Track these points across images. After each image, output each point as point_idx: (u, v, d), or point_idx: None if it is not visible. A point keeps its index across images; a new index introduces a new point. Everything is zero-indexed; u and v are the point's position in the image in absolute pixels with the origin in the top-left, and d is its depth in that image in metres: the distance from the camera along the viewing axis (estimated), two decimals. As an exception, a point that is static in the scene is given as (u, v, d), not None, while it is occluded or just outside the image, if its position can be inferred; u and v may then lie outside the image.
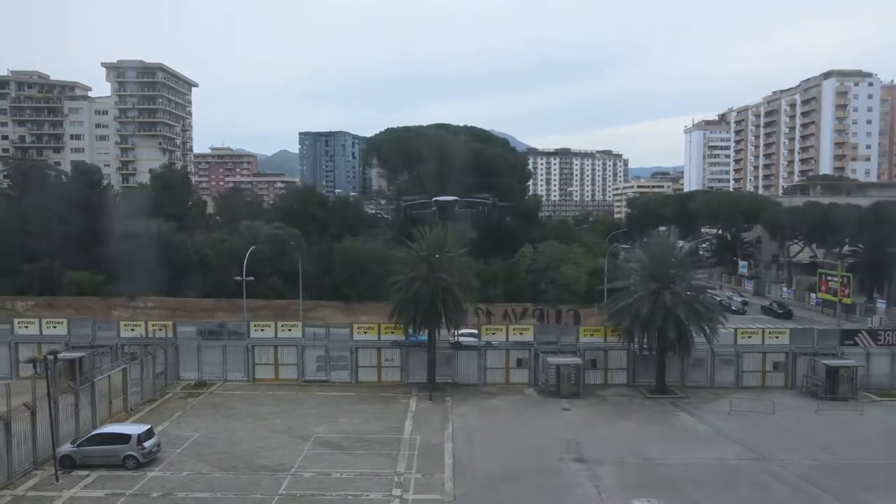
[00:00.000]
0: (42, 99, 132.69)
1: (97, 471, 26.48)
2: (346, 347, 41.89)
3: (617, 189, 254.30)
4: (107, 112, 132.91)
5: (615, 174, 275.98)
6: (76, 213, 66.29)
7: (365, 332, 42.24)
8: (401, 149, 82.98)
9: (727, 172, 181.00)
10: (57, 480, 25.51)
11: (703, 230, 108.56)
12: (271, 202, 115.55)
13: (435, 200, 72.47)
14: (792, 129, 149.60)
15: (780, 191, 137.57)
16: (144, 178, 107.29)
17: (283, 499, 24.18)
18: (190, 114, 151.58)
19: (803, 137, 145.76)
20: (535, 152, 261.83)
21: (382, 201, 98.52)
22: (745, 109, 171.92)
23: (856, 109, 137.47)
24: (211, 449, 29.37)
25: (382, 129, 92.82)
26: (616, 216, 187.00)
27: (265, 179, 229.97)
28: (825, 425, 34.03)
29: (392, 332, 41.08)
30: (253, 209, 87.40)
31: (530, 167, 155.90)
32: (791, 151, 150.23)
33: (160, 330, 42.27)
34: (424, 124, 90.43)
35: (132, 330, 42.98)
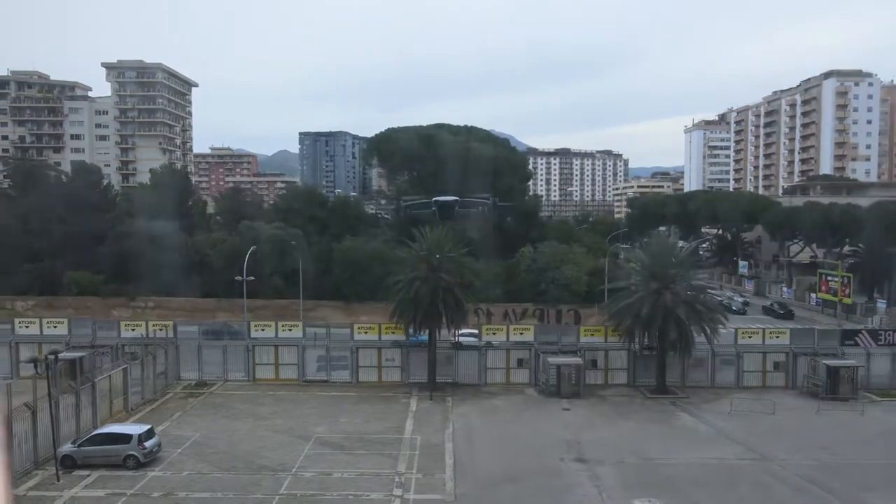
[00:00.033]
0: (42, 99, 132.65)
1: (98, 470, 26.49)
2: (346, 347, 41.90)
3: (617, 189, 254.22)
4: (107, 112, 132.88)
5: (615, 174, 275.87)
6: (76, 213, 66.30)
7: (365, 332, 42.26)
8: (401, 149, 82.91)
9: (727, 172, 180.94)
10: (58, 480, 25.51)
11: (703, 230, 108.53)
12: (271, 202, 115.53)
13: (435, 200, 72.38)
14: (792, 129, 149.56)
15: (780, 191, 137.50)
16: (144, 178, 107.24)
17: (284, 499, 24.19)
18: (190, 114, 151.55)
19: (803, 137, 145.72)
20: (535, 152, 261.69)
21: (382, 201, 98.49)
22: (745, 109, 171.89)
23: (856, 109, 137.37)
24: (211, 449, 29.37)
25: (382, 129, 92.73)
26: (616, 216, 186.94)
27: (265, 179, 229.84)
28: (826, 425, 34.04)
29: (393, 332, 41.09)
30: (253, 209, 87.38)
31: (530, 167, 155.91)
32: (791, 151, 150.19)
33: (161, 330, 42.28)
34: (424, 124, 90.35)
35: (133, 330, 42.99)
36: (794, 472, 27.34)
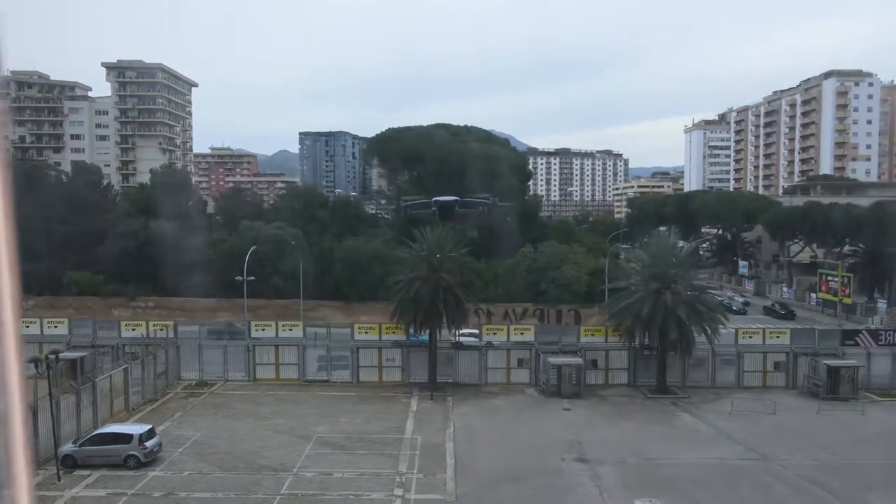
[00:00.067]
0: (42, 99, 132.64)
1: (99, 470, 26.49)
2: (347, 347, 41.90)
3: (617, 189, 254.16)
4: (107, 112, 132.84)
5: (615, 174, 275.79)
6: (76, 213, 66.30)
7: (366, 332, 42.25)
8: (401, 149, 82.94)
9: (727, 172, 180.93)
10: (59, 480, 25.51)
11: (703, 230, 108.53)
12: (271, 202, 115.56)
13: (435, 200, 72.36)
14: (792, 129, 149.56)
15: (781, 191, 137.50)
16: (144, 178, 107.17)
17: (285, 498, 24.18)
18: (190, 114, 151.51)
19: (803, 137, 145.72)
20: (535, 152, 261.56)
21: (383, 201, 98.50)
22: (745, 109, 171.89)
23: (856, 109, 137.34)
24: (212, 449, 29.36)
25: (382, 129, 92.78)
26: (616, 216, 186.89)
27: (265, 179, 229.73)
28: (826, 425, 34.04)
29: (393, 332, 41.09)
30: (253, 209, 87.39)
31: (530, 167, 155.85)
32: (791, 151, 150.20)
33: (161, 330, 42.28)
34: (424, 124, 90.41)
35: (133, 330, 42.99)
36: (794, 472, 27.34)
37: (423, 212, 70.29)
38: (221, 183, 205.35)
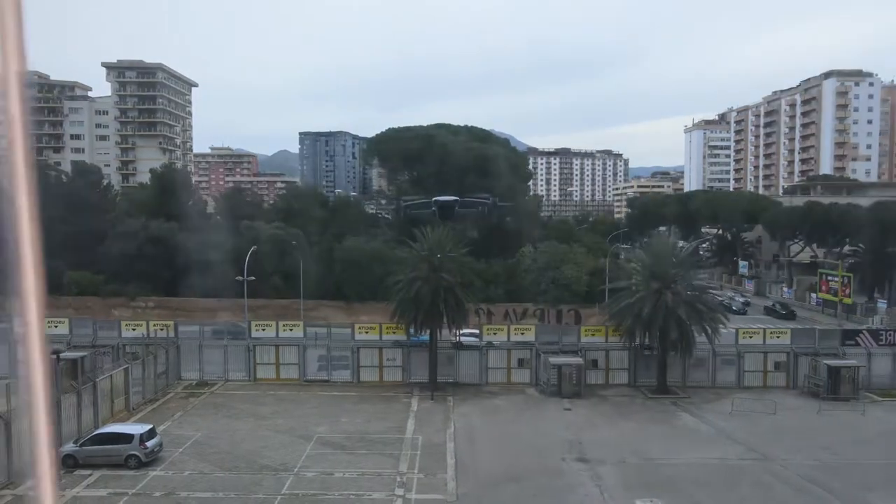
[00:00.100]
0: (42, 99, 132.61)
1: (99, 470, 26.50)
2: (347, 347, 41.90)
3: (617, 189, 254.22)
4: (107, 112, 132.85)
5: (615, 174, 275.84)
6: (76, 213, 66.25)
7: (366, 332, 42.26)
8: (401, 149, 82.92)
9: (727, 172, 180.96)
10: (59, 480, 25.47)
11: (703, 230, 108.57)
12: (271, 202, 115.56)
13: (435, 200, 72.38)
14: (792, 128, 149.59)
15: (781, 191, 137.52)
16: (144, 178, 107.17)
17: (286, 498, 24.19)
18: (190, 114, 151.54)
19: (803, 137, 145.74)
20: (535, 152, 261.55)
21: (383, 201, 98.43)
22: (745, 109, 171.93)
23: (856, 109, 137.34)
24: (213, 448, 29.37)
25: (382, 129, 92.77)
26: (616, 216, 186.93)
27: (265, 179, 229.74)
28: (827, 425, 34.05)
29: (393, 332, 41.10)
30: (253, 209, 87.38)
31: (530, 167, 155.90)
32: (791, 151, 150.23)
33: (161, 330, 42.29)
34: (424, 124, 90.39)
35: (133, 330, 43.00)
36: (795, 473, 27.35)
37: (422, 212, 70.30)
38: (221, 183, 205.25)
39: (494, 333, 42.92)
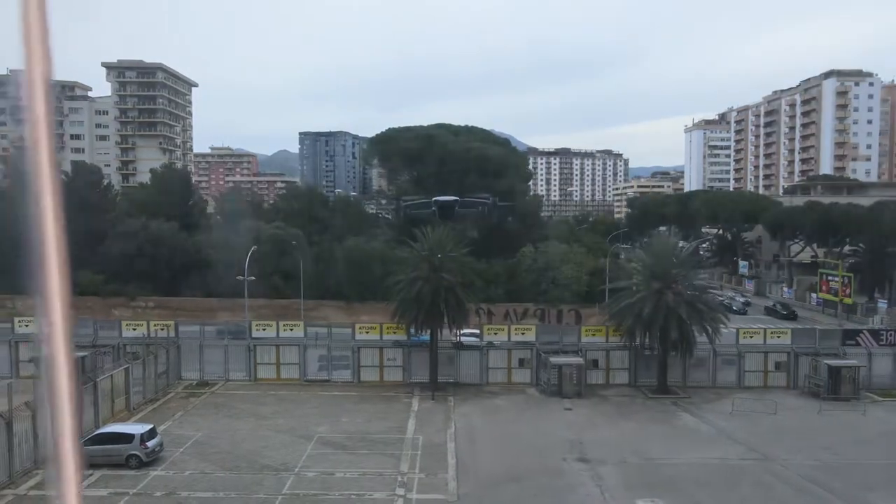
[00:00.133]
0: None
1: (100, 470, 26.44)
2: (348, 347, 41.89)
3: (617, 189, 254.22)
4: (107, 112, 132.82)
5: (615, 174, 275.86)
6: (76, 212, 66.22)
7: (367, 332, 42.25)
8: (401, 149, 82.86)
9: (727, 172, 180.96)
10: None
11: (703, 230, 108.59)
12: (271, 202, 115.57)
13: (435, 200, 72.35)
14: (792, 128, 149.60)
15: (781, 190, 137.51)
16: (144, 177, 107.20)
17: (287, 498, 24.17)
18: (190, 114, 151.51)
19: (803, 137, 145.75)
20: (535, 152, 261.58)
21: (383, 201, 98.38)
22: (745, 109, 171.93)
23: (856, 109, 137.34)
24: (214, 448, 29.35)
25: (382, 129, 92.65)
26: (616, 216, 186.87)
27: (265, 179, 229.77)
28: (827, 425, 34.04)
29: (394, 332, 41.09)
30: (254, 209, 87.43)
31: (530, 167, 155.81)
32: (791, 151, 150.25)
33: (162, 330, 42.27)
34: (424, 124, 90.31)
35: (134, 329, 42.97)
36: (795, 473, 27.34)
37: (422, 212, 70.29)
38: (221, 182, 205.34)
39: (495, 333, 42.92)
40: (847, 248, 78.96)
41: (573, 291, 60.15)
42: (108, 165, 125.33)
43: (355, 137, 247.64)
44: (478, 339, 43.06)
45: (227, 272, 56.03)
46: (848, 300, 67.12)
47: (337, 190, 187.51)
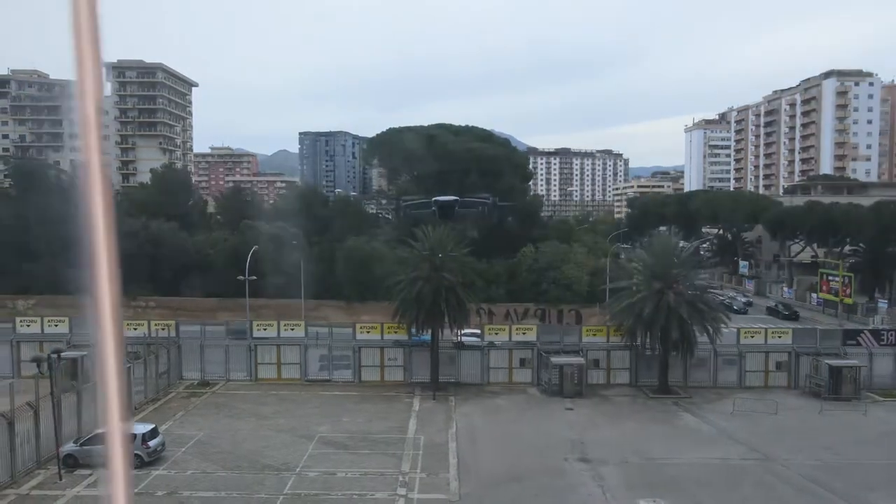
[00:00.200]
0: (42, 98, 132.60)
1: (101, 470, 26.43)
2: (348, 347, 41.88)
3: (617, 189, 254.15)
4: (107, 112, 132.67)
5: (615, 174, 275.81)
6: (76, 212, 66.17)
7: (368, 332, 42.23)
8: (401, 149, 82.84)
9: (727, 172, 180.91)
10: (60, 479, 25.48)
11: (703, 230, 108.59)
12: (271, 202, 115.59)
13: (435, 200, 72.30)
14: (792, 128, 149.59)
15: (781, 190, 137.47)
16: (145, 177, 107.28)
17: (289, 498, 24.16)
18: (190, 113, 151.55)
19: (803, 137, 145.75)
20: (535, 152, 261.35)
21: (383, 201, 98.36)
22: (745, 109, 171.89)
23: (856, 109, 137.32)
24: (215, 448, 29.35)
25: (382, 129, 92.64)
26: (616, 216, 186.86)
27: (265, 179, 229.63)
28: (828, 425, 34.04)
29: (395, 332, 41.10)
30: (254, 208, 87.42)
31: (531, 167, 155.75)
32: (791, 151, 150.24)
33: (163, 329, 42.27)
34: (424, 124, 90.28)
35: (135, 329, 42.91)
36: (797, 473, 27.34)
37: (422, 212, 70.25)
38: (221, 182, 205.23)
39: (496, 333, 42.92)
40: (847, 248, 78.94)
41: (574, 291, 60.15)
42: (108, 165, 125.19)
43: (355, 137, 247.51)
44: (479, 339, 43.06)
45: (221, 272, 56.12)
46: (848, 300, 67.13)
47: (337, 190, 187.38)
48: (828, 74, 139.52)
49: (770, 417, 34.82)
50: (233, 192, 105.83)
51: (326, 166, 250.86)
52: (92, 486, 25.20)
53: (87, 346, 39.58)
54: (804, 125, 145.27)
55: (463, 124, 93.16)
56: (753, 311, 73.99)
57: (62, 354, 31.06)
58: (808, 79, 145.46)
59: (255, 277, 51.14)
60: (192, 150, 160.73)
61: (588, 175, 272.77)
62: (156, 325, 43.18)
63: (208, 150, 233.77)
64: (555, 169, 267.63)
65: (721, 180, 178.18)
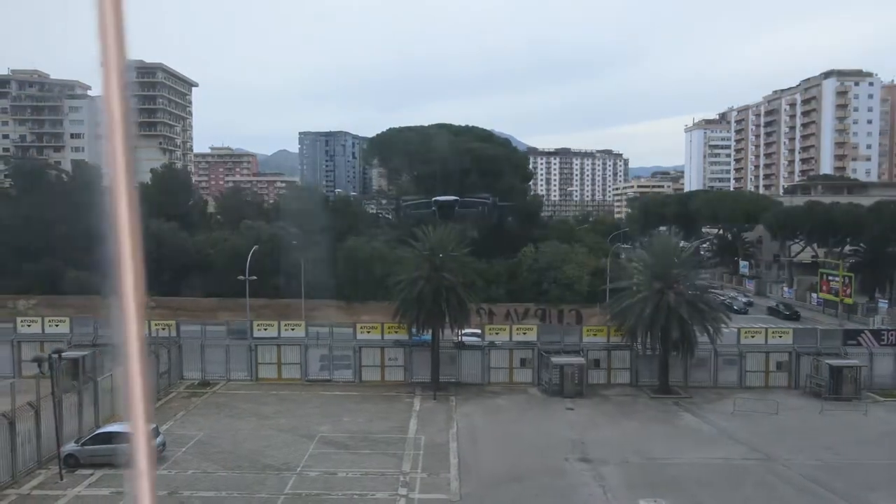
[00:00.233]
0: (42, 98, 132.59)
1: (101, 469, 26.44)
2: (349, 347, 41.87)
3: (617, 189, 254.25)
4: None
5: (615, 174, 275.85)
6: (76, 212, 66.21)
7: (368, 332, 42.23)
8: (401, 149, 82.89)
9: (728, 172, 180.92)
10: (61, 479, 25.50)
11: (703, 230, 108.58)
12: (271, 202, 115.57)
13: (435, 200, 72.35)
14: (792, 128, 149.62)
15: (781, 190, 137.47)
16: (145, 177, 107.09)
17: (289, 498, 24.16)
18: (190, 113, 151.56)
19: (804, 137, 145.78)
20: (535, 152, 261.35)
21: (383, 201, 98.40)
22: (745, 109, 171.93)
23: (856, 109, 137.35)
24: (216, 448, 29.35)
25: (382, 129, 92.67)
26: (616, 216, 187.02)
27: (265, 179, 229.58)
28: (829, 425, 34.05)
29: (395, 332, 41.09)
30: (254, 208, 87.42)
31: (531, 167, 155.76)
32: (791, 151, 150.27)
33: (163, 329, 42.26)
34: (424, 124, 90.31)
35: (135, 329, 42.88)
36: (797, 472, 27.35)
37: (422, 212, 70.28)
38: (221, 182, 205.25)
39: (496, 333, 42.93)
40: (847, 248, 78.93)
41: (574, 291, 60.14)
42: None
43: (355, 137, 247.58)
44: (479, 339, 43.05)
45: (221, 272, 56.11)
46: (848, 300, 67.12)
47: (337, 190, 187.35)
48: (828, 74, 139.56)
49: (770, 417, 34.83)
50: (233, 192, 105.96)
51: (326, 166, 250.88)
52: (93, 485, 25.21)
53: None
54: (804, 125, 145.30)
55: (463, 124, 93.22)
56: (754, 311, 73.99)
57: (63, 354, 31.08)
58: (808, 79, 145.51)
59: (255, 277, 51.12)
60: (192, 150, 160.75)
61: (588, 175, 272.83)
62: (156, 324, 43.17)
63: (208, 150, 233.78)
64: (555, 169, 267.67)
65: (721, 180, 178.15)
